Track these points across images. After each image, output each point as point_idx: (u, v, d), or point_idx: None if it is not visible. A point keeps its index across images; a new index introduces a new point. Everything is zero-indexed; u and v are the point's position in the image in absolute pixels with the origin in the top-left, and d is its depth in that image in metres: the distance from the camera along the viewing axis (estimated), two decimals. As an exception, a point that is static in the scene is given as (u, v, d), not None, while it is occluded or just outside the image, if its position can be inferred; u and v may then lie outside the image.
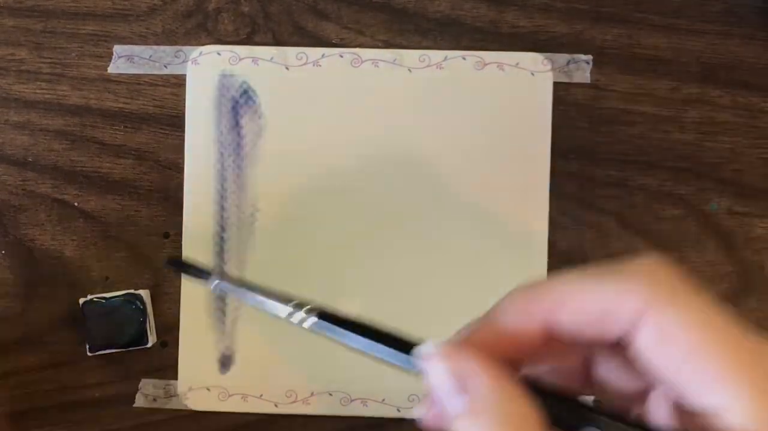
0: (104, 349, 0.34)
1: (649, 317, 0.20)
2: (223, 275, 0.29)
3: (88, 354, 0.34)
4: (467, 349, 0.22)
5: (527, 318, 0.22)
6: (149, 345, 0.35)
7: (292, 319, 0.26)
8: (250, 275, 0.36)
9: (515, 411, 0.21)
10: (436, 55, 0.36)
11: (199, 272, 0.29)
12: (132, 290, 0.35)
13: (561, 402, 0.22)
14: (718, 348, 0.20)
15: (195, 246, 0.36)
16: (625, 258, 0.22)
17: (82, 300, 0.34)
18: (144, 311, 0.34)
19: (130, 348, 0.35)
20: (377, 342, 0.25)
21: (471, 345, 0.22)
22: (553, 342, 0.22)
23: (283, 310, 0.27)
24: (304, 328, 0.26)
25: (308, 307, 0.26)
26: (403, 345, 0.24)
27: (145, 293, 0.35)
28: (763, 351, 0.20)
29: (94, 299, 0.34)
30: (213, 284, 0.28)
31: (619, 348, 0.22)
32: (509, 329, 0.22)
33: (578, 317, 0.22)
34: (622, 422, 0.21)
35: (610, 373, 0.24)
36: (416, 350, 0.23)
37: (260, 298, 0.27)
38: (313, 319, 0.26)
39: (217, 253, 0.36)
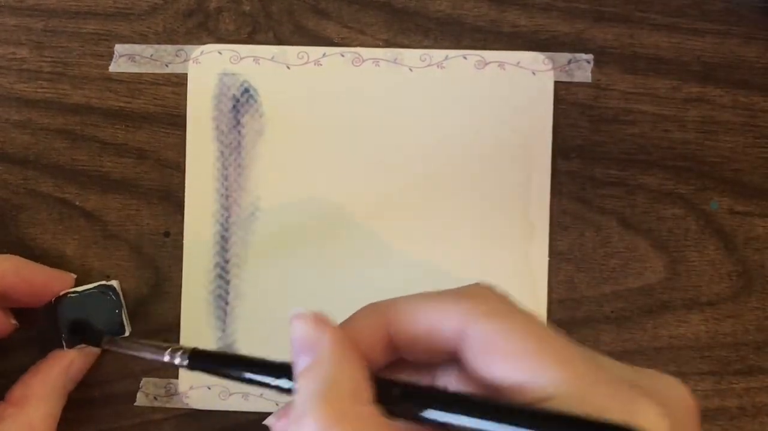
0: (81, 342, 0.34)
1: (469, 330, 0.23)
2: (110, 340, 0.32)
3: (65, 348, 0.34)
4: (328, 324, 0.24)
5: (373, 328, 0.25)
6: (126, 334, 0.34)
7: (174, 362, 0.28)
8: (251, 274, 0.36)
9: (346, 376, 0.23)
10: (437, 54, 0.36)
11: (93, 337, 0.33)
12: (104, 282, 0.34)
13: (400, 387, 0.24)
14: (526, 345, 0.23)
15: (195, 245, 0.36)
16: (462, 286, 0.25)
17: (54, 298, 0.34)
18: (119, 302, 0.34)
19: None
20: (249, 368, 0.26)
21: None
22: (398, 355, 0.25)
23: (162, 355, 0.28)
24: (182, 366, 0.28)
25: (182, 349, 0.28)
26: (275, 369, 0.25)
27: (116, 284, 0.35)
28: (565, 343, 0.23)
29: (68, 294, 0.34)
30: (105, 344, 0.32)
31: (459, 364, 0.24)
32: (360, 335, 0.25)
33: (410, 332, 0.24)
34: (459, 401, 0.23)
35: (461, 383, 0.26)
36: (291, 311, 0.25)
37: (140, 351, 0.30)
38: (186, 359, 0.28)
39: (217, 252, 0.36)
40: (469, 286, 0.25)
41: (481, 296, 0.24)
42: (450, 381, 0.26)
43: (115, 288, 0.34)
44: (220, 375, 0.27)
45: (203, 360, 0.28)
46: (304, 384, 0.23)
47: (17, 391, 0.33)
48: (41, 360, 0.34)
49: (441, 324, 0.24)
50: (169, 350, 0.28)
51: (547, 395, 0.22)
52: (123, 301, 0.35)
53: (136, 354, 0.30)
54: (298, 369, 0.24)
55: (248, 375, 0.26)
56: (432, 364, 0.26)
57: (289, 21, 0.36)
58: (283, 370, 0.25)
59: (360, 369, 0.23)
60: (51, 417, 0.33)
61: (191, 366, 0.28)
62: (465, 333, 0.23)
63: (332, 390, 0.22)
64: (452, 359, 0.24)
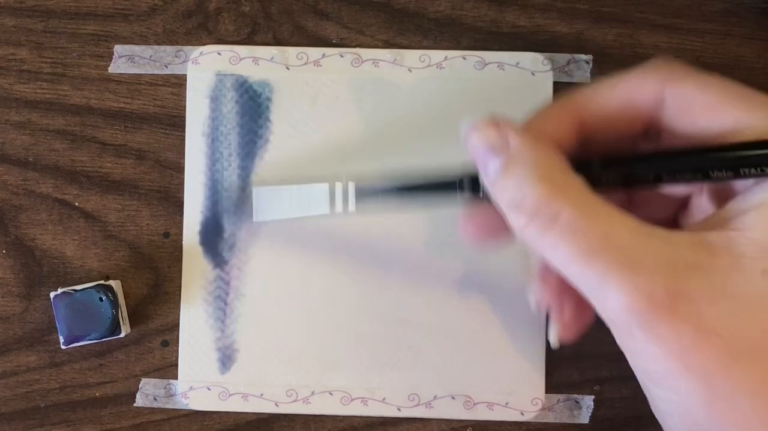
0: (78, 341, 0.34)
1: (668, 94, 0.24)
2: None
3: (63, 347, 0.34)
4: (503, 122, 0.24)
5: (561, 117, 0.25)
6: (122, 335, 0.34)
7: (335, 208, 0.29)
8: (251, 274, 0.36)
9: (545, 160, 0.23)
10: (436, 54, 0.36)
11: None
12: (102, 281, 0.35)
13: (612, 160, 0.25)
14: (733, 99, 0.23)
15: (196, 246, 0.36)
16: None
17: (52, 294, 0.34)
18: (116, 302, 0.34)
19: (104, 339, 0.34)
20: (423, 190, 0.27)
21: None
22: (592, 142, 0.25)
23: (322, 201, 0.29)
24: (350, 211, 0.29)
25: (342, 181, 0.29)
26: (446, 185, 0.27)
27: (115, 284, 0.35)
28: (763, 95, 0.24)
29: (65, 292, 0.34)
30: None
31: (655, 140, 0.25)
32: (547, 128, 0.25)
33: (605, 108, 0.25)
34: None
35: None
36: (461, 124, 0.25)
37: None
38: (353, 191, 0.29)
39: (218, 253, 0.36)
40: (657, 60, 0.25)
41: (673, 64, 0.25)
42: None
43: (113, 288, 0.34)
44: (397, 201, 0.28)
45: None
46: (507, 179, 0.23)
47: None
48: None
49: (638, 92, 0.25)
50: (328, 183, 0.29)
51: (757, 134, 0.22)
52: (122, 302, 0.35)
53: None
54: (492, 172, 0.24)
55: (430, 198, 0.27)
56: (622, 145, 0.26)
57: (289, 22, 0.36)
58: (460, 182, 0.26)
59: (556, 152, 0.23)
60: None
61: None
62: (663, 96, 0.24)
63: (540, 168, 0.23)
64: (646, 132, 0.25)
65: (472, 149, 0.24)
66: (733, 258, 0.22)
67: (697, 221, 0.25)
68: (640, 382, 0.25)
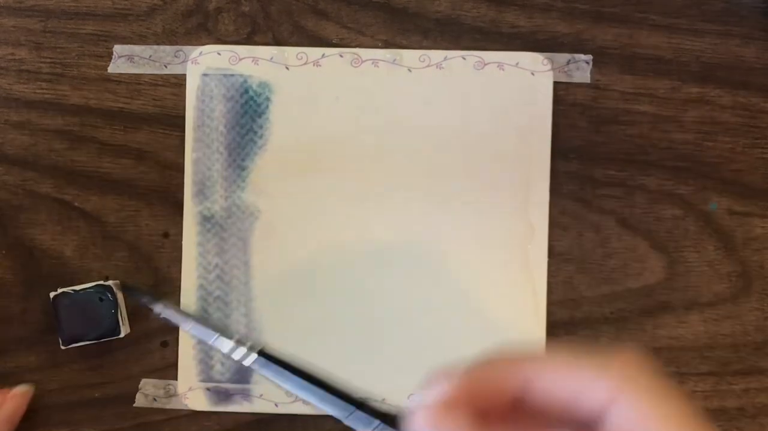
0: (77, 341, 0.34)
1: (619, 405, 0.22)
2: (166, 305, 0.29)
3: (62, 347, 0.34)
4: (445, 409, 0.23)
5: (502, 383, 0.23)
6: (122, 335, 0.34)
7: (233, 355, 0.26)
8: (251, 275, 0.36)
9: None
10: (436, 55, 0.36)
11: (144, 298, 0.32)
12: (102, 282, 0.34)
13: None
14: None
15: (195, 247, 0.36)
16: (605, 348, 0.23)
17: (52, 294, 0.34)
18: (115, 302, 0.34)
19: (103, 339, 0.34)
20: (315, 389, 0.26)
21: (449, 400, 0.23)
22: (518, 410, 0.24)
23: (226, 345, 0.27)
24: (243, 365, 0.26)
25: (250, 344, 0.26)
26: (341, 396, 0.25)
27: (115, 284, 0.35)
28: None
29: (65, 292, 0.34)
30: (157, 308, 0.29)
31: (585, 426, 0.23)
32: (483, 391, 0.23)
33: (552, 391, 0.23)
34: None
35: None
36: (405, 407, 0.23)
37: (203, 329, 0.27)
38: (254, 356, 0.26)
39: (217, 253, 0.36)
40: (618, 353, 0.23)
41: (632, 368, 0.23)
42: None
43: (112, 289, 0.34)
44: (279, 385, 0.27)
45: (268, 364, 0.27)
46: None
47: None
48: None
49: (586, 393, 0.23)
50: (236, 338, 0.27)
51: None
52: (121, 302, 0.35)
53: (191, 330, 0.28)
54: None
55: (312, 399, 0.25)
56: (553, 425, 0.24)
57: (288, 22, 0.36)
58: (345, 399, 0.25)
59: None
60: None
61: (257, 364, 0.27)
62: (611, 408, 0.22)
63: None
64: (582, 426, 0.23)
65: (416, 426, 0.23)
66: None
67: None
68: None
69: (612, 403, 0.22)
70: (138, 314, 0.36)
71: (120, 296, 0.35)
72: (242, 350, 0.27)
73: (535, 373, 0.23)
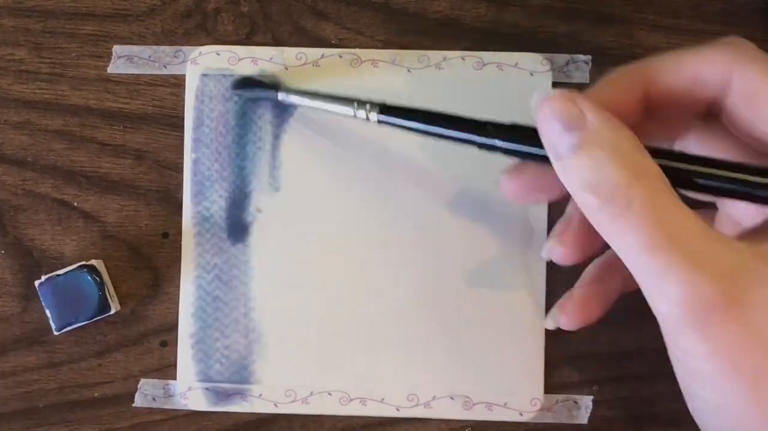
0: (70, 325, 0.34)
1: (735, 77, 0.23)
2: (288, 89, 0.34)
3: (55, 333, 0.34)
4: (577, 96, 0.24)
5: (628, 88, 0.25)
6: (112, 311, 0.34)
7: (358, 115, 0.31)
8: (251, 275, 0.36)
9: (625, 143, 0.23)
10: (435, 55, 0.36)
11: (267, 87, 0.34)
12: (84, 262, 0.34)
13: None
14: None
15: (194, 247, 0.36)
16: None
17: (37, 283, 0.34)
18: (101, 280, 0.34)
19: (96, 318, 0.34)
20: (448, 123, 0.28)
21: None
22: (650, 117, 0.25)
23: (347, 110, 0.31)
24: (372, 122, 0.30)
25: (370, 103, 0.30)
26: (473, 125, 0.27)
27: (98, 263, 0.35)
28: None
29: (49, 278, 0.34)
30: (281, 96, 0.34)
31: (712, 120, 0.25)
32: (613, 98, 0.25)
33: (672, 84, 0.24)
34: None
35: (702, 150, 0.26)
36: (531, 96, 0.25)
37: (325, 103, 0.32)
38: (375, 115, 0.30)
39: (216, 254, 0.36)
40: (726, 38, 0.25)
41: (744, 45, 0.24)
42: (691, 147, 0.26)
43: (96, 268, 0.34)
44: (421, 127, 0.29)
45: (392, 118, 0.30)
46: (583, 159, 0.23)
47: None
48: None
49: (706, 72, 0.24)
50: (356, 102, 0.31)
51: None
52: (107, 279, 0.35)
53: (314, 104, 0.33)
54: (564, 148, 0.23)
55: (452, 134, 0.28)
56: (681, 125, 0.26)
57: (288, 22, 0.36)
58: (477, 127, 0.27)
59: (632, 134, 0.23)
60: None
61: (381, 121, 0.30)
62: (731, 79, 0.24)
63: (619, 151, 0.22)
64: (708, 110, 0.25)
65: (543, 120, 0.24)
66: None
67: (751, 228, 0.25)
68: (679, 380, 0.25)
69: (731, 74, 0.24)
70: (137, 314, 0.36)
71: (105, 273, 0.35)
72: (362, 111, 0.31)
73: (657, 68, 0.25)
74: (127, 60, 0.36)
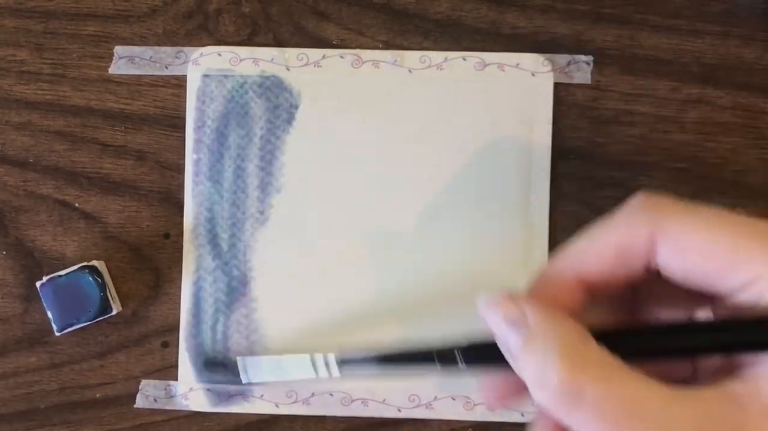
0: (71, 326, 0.34)
1: (659, 238, 0.24)
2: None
3: (57, 334, 0.34)
4: (518, 297, 0.25)
5: (562, 280, 0.25)
6: (114, 312, 0.34)
7: (319, 374, 0.32)
8: (252, 276, 0.36)
9: (565, 334, 0.23)
10: (436, 56, 0.36)
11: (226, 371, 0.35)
12: (85, 263, 0.34)
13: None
14: (725, 236, 0.23)
15: (195, 248, 0.36)
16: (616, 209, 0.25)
17: (38, 283, 0.34)
18: (103, 281, 0.34)
19: (97, 319, 0.34)
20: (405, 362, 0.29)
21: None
22: (596, 294, 0.25)
23: (308, 371, 0.32)
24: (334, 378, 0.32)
25: (326, 359, 0.31)
26: (432, 355, 0.27)
27: (99, 264, 0.35)
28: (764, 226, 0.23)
29: (51, 278, 0.34)
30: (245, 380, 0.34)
31: (654, 279, 0.25)
32: (552, 291, 0.25)
33: (603, 262, 0.25)
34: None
35: (654, 308, 0.27)
36: (476, 300, 0.25)
37: (286, 375, 0.33)
38: (334, 364, 0.31)
39: (217, 255, 0.36)
40: (633, 200, 0.25)
41: (657, 203, 0.25)
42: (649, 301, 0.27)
43: (97, 269, 0.34)
44: (379, 369, 0.30)
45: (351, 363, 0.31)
46: (528, 356, 0.23)
47: None
48: None
49: (630, 241, 0.24)
50: (312, 364, 0.32)
51: (756, 275, 0.22)
52: (109, 280, 0.35)
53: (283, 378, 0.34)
54: (513, 347, 0.24)
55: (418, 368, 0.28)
56: (629, 286, 0.26)
57: (289, 23, 0.36)
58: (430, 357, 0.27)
59: (572, 322, 0.24)
60: None
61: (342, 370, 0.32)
62: (656, 241, 0.24)
63: (559, 343, 0.23)
64: (646, 271, 0.25)
65: (492, 324, 0.25)
66: (762, 409, 0.22)
67: (714, 368, 0.25)
68: None
69: (654, 236, 0.24)
70: (138, 315, 0.36)
71: (106, 274, 0.35)
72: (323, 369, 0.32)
73: (580, 254, 0.25)
74: (128, 61, 0.36)
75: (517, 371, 0.24)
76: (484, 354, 0.26)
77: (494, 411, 0.28)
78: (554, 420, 0.24)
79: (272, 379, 0.34)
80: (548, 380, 0.22)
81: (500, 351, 0.25)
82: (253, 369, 0.34)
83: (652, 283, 0.25)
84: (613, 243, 0.25)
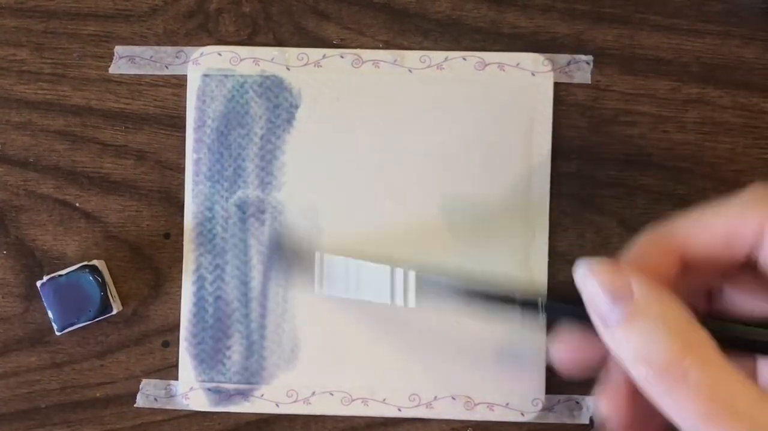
0: (72, 325, 0.34)
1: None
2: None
3: (57, 333, 0.34)
4: (620, 266, 0.24)
5: (664, 254, 0.25)
6: (114, 312, 0.34)
7: (394, 298, 0.31)
8: (252, 275, 0.36)
9: (673, 313, 0.23)
10: (436, 55, 0.36)
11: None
12: (86, 262, 0.34)
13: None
14: None
15: (195, 247, 0.36)
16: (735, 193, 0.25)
17: (39, 283, 0.34)
18: (103, 280, 0.34)
19: (98, 319, 0.34)
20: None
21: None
22: (686, 273, 0.25)
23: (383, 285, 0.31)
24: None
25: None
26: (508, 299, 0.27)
27: (100, 263, 0.35)
28: None
29: (51, 278, 0.34)
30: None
31: (748, 270, 0.25)
32: (651, 265, 0.25)
33: (706, 246, 0.25)
34: None
35: (738, 299, 0.26)
36: (574, 266, 0.25)
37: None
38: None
39: (218, 254, 0.36)
40: (753, 188, 0.25)
41: None
42: (728, 294, 0.27)
43: (97, 268, 0.34)
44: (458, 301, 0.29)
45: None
46: (632, 331, 0.23)
47: None
48: None
49: (739, 230, 0.24)
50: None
51: None
52: (109, 280, 0.35)
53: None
54: (613, 321, 0.23)
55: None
56: (717, 276, 0.26)
57: (289, 22, 0.36)
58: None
59: (680, 303, 0.23)
60: None
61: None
62: (764, 232, 0.24)
63: (668, 322, 0.23)
64: (746, 262, 0.25)
65: (589, 294, 0.24)
66: None
67: None
68: None
69: (764, 227, 0.24)
70: (139, 314, 0.36)
71: (107, 273, 0.35)
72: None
73: (689, 230, 0.25)
74: (128, 60, 0.36)
75: (607, 340, 0.24)
76: (567, 311, 0.26)
77: (561, 372, 0.27)
78: (625, 398, 0.25)
79: (343, 291, 0.33)
80: (653, 356, 0.22)
81: (585, 313, 0.24)
82: (329, 268, 0.33)
83: (740, 274, 0.25)
84: (724, 227, 0.25)
